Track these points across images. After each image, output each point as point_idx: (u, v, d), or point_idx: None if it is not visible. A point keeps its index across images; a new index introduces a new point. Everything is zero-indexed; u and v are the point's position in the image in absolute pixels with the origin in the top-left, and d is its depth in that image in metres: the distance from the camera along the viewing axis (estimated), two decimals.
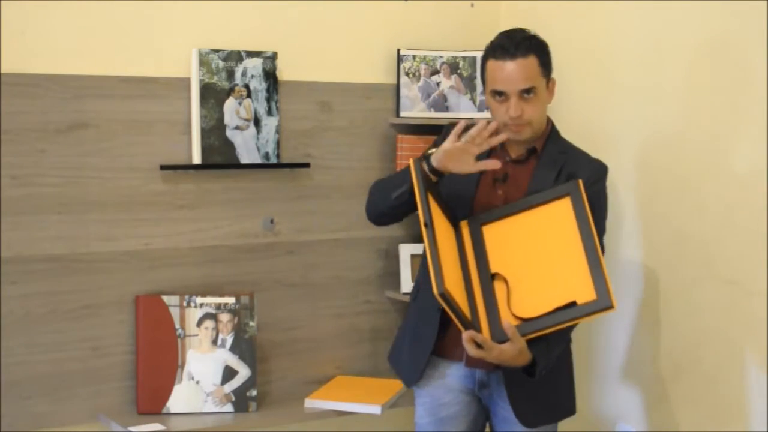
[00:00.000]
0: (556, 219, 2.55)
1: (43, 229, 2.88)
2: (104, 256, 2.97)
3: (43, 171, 2.87)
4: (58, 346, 2.92)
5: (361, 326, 3.39)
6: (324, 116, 3.28)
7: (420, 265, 2.82)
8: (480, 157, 2.58)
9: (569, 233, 2.52)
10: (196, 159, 3.05)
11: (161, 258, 3.05)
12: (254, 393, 3.05)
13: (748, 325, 2.78)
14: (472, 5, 3.51)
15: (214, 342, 3.04)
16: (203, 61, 3.03)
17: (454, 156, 2.51)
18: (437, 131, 2.76)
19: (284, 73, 3.19)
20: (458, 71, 3.40)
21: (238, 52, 3.08)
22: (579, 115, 3.28)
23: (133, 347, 3.02)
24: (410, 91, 3.36)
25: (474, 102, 3.40)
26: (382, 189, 2.67)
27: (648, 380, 3.09)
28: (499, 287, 2.53)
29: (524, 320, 2.46)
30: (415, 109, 3.37)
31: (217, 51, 3.05)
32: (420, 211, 2.43)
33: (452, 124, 2.58)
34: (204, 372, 3.02)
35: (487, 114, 2.89)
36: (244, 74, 3.09)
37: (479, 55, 2.69)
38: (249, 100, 3.11)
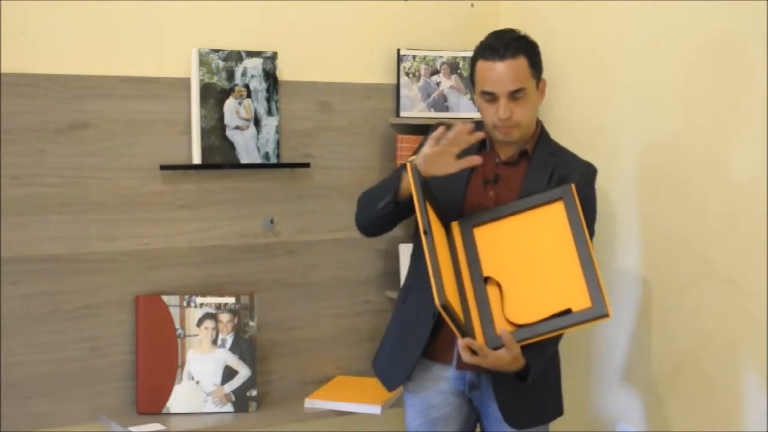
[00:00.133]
0: (549, 223, 2.54)
1: (43, 229, 2.88)
2: (104, 256, 2.97)
3: (43, 171, 2.87)
4: (58, 346, 2.92)
5: (361, 326, 3.39)
6: (324, 116, 3.28)
7: (410, 267, 2.81)
8: (467, 155, 2.59)
9: (563, 238, 2.51)
10: (196, 159, 3.05)
11: (161, 258, 3.05)
12: (254, 393, 3.05)
13: (747, 325, 2.78)
14: (472, 5, 3.51)
15: (214, 342, 3.04)
16: (203, 61, 3.03)
17: (435, 159, 2.48)
18: None
19: (284, 73, 3.19)
20: (458, 71, 3.40)
21: (238, 52, 3.08)
22: (579, 115, 3.28)
23: (133, 347, 3.02)
24: (410, 91, 3.36)
25: (474, 102, 3.40)
26: (369, 200, 2.66)
27: (648, 380, 3.09)
28: (492, 291, 2.52)
29: (519, 326, 2.46)
30: (415, 109, 3.37)
31: (217, 51, 3.05)
32: (419, 218, 2.41)
33: (436, 127, 2.57)
34: (204, 372, 3.02)
35: None
36: (244, 74, 3.09)
37: None
38: (249, 100, 3.11)
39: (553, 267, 2.51)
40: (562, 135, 3.32)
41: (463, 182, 2.65)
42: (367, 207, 2.66)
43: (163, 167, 3.01)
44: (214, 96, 3.05)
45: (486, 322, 2.47)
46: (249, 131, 3.11)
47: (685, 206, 2.94)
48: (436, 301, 2.31)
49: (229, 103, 3.08)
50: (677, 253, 2.96)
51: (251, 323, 3.06)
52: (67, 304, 2.93)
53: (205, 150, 3.05)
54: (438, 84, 3.40)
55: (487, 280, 2.53)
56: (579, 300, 2.44)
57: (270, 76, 3.13)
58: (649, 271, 3.06)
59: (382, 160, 3.36)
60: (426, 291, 2.52)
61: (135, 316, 3.01)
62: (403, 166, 2.56)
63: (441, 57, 3.39)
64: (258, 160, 3.13)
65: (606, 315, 2.42)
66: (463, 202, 2.64)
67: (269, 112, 3.14)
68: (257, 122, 3.12)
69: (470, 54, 2.78)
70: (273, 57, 3.14)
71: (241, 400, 3.04)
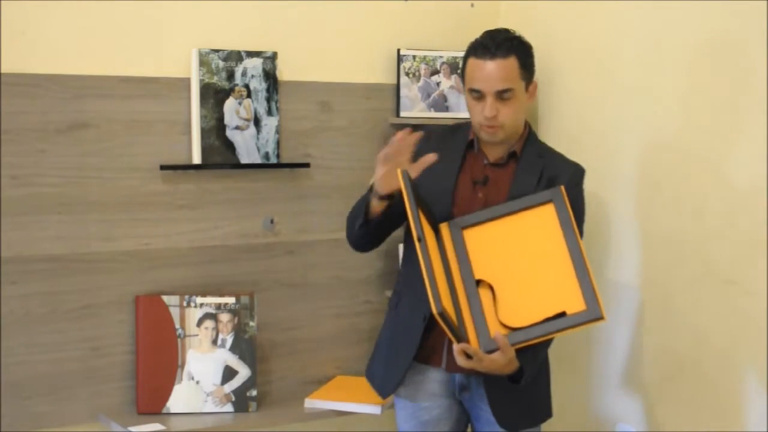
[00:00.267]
0: (540, 226, 2.53)
1: (43, 229, 2.88)
2: (104, 256, 2.97)
3: (43, 171, 2.87)
4: (58, 346, 2.92)
5: (361, 326, 3.39)
6: (324, 116, 3.28)
7: (400, 271, 2.81)
8: (455, 158, 2.59)
9: (554, 241, 2.51)
10: (196, 159, 3.05)
11: (161, 258, 3.05)
12: (254, 393, 3.05)
13: (747, 325, 2.78)
14: (472, 5, 3.51)
15: (214, 342, 3.04)
16: (203, 61, 3.03)
17: (389, 177, 2.49)
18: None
19: (284, 73, 3.19)
20: (458, 71, 3.39)
21: (238, 52, 3.08)
22: (578, 115, 3.28)
23: (133, 347, 3.02)
24: (410, 91, 3.36)
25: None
26: (350, 221, 2.69)
27: (648, 380, 3.09)
28: (484, 294, 2.51)
29: (513, 329, 2.46)
30: (415, 109, 3.37)
31: (217, 51, 3.05)
32: (412, 225, 2.40)
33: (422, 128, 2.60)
34: (204, 372, 3.02)
35: None
36: (244, 74, 3.09)
37: None
38: (249, 100, 3.11)
39: (546, 269, 2.51)
40: (561, 135, 3.33)
41: (451, 183, 2.65)
42: (349, 227, 2.70)
43: (163, 167, 3.01)
44: (214, 96, 3.05)
45: (480, 325, 2.46)
46: (249, 131, 3.11)
47: (684, 206, 2.94)
48: (433, 310, 2.31)
49: (229, 103, 3.08)
50: (677, 254, 2.96)
51: (251, 323, 3.07)
52: (67, 304, 2.93)
53: (205, 150, 3.05)
54: (438, 84, 3.40)
55: (479, 282, 2.53)
56: (573, 303, 2.44)
57: (270, 76, 3.13)
58: (649, 271, 3.06)
59: None
60: (417, 295, 2.53)
61: (135, 316, 3.01)
62: (368, 192, 2.59)
63: (441, 57, 3.39)
64: (258, 160, 3.13)
65: (601, 318, 2.43)
66: (451, 203, 2.64)
67: (269, 112, 3.14)
68: (257, 122, 3.12)
69: None
70: (273, 57, 3.14)
71: (241, 400, 3.04)
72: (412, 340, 2.64)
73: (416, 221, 2.39)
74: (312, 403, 3.12)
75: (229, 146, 3.08)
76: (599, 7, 3.21)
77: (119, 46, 2.95)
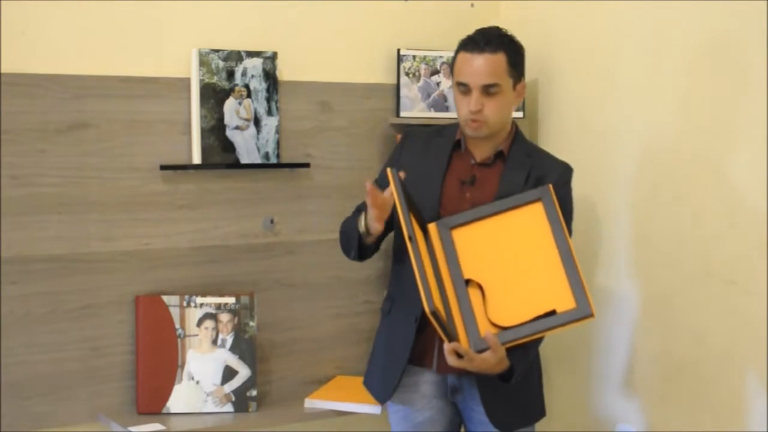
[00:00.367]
0: (529, 225, 2.53)
1: (43, 229, 2.88)
2: (104, 256, 2.97)
3: (43, 171, 2.87)
4: (58, 346, 2.92)
5: (361, 326, 3.39)
6: (324, 116, 3.28)
7: (391, 277, 2.81)
8: (441, 159, 2.62)
9: (543, 239, 2.51)
10: (196, 159, 3.05)
11: (161, 258, 3.05)
12: (254, 393, 3.05)
13: (748, 325, 2.78)
14: (472, 5, 3.51)
15: (214, 342, 3.04)
16: (203, 61, 3.03)
17: (381, 215, 2.52)
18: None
19: (284, 73, 3.19)
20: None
21: (238, 52, 3.08)
22: (578, 115, 3.28)
23: (133, 347, 3.02)
24: (410, 91, 3.36)
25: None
26: (345, 241, 2.74)
27: (648, 380, 3.09)
28: (473, 294, 2.51)
29: (503, 328, 2.46)
30: (415, 109, 3.37)
31: (217, 51, 3.05)
32: (403, 225, 2.40)
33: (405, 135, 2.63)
34: (204, 372, 3.02)
35: None
36: (244, 74, 3.09)
37: None
38: (249, 100, 3.11)
39: (535, 268, 2.51)
40: (561, 135, 3.33)
41: (438, 184, 2.65)
42: (344, 250, 2.74)
43: (163, 167, 3.01)
44: (214, 96, 3.05)
45: (470, 325, 2.46)
46: (249, 131, 3.11)
47: (684, 206, 2.94)
48: (426, 308, 2.30)
49: (229, 103, 3.08)
50: (677, 254, 2.96)
51: (251, 323, 3.06)
52: (67, 304, 2.93)
53: (205, 150, 3.05)
54: (438, 84, 3.40)
55: (468, 282, 2.53)
56: (563, 301, 2.44)
57: (270, 76, 3.13)
58: (649, 271, 3.06)
59: (382, 160, 3.35)
60: (409, 298, 2.54)
61: (135, 316, 3.01)
62: (359, 211, 2.65)
63: (441, 57, 3.39)
64: (258, 160, 3.13)
65: (591, 315, 2.43)
66: (439, 204, 2.64)
67: (269, 112, 3.14)
68: (257, 122, 3.12)
69: None
70: (273, 57, 3.14)
71: (241, 400, 3.04)
72: (405, 343, 2.64)
73: (407, 220, 2.40)
74: (312, 403, 3.12)
75: (229, 146, 3.08)
76: (599, 7, 3.21)
77: (119, 46, 2.95)
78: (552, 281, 2.47)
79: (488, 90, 2.56)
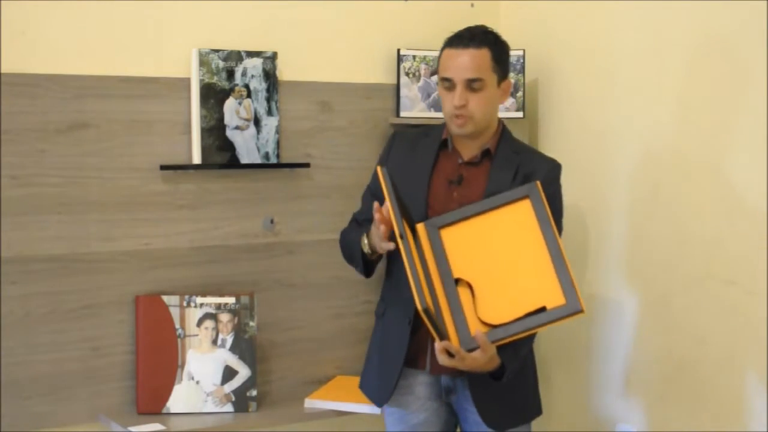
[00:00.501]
0: (517, 222, 2.53)
1: (43, 229, 2.88)
2: (104, 256, 2.97)
3: (43, 171, 2.87)
4: (58, 346, 2.92)
5: (361, 326, 3.39)
6: (324, 116, 3.28)
7: (385, 280, 2.81)
8: (428, 159, 2.63)
9: (532, 236, 2.51)
10: (196, 159, 3.05)
11: (161, 258, 3.05)
12: (254, 393, 3.05)
13: (748, 325, 2.78)
14: (472, 5, 3.51)
15: (214, 342, 3.04)
16: (203, 61, 3.03)
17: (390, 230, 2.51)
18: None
19: (284, 73, 3.19)
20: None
21: (238, 52, 3.08)
22: (578, 115, 3.28)
23: (133, 347, 3.02)
24: (410, 91, 3.36)
25: None
26: (347, 258, 2.75)
27: (648, 380, 3.09)
28: (463, 293, 2.51)
29: (493, 326, 2.46)
30: (415, 109, 3.37)
31: (217, 51, 3.05)
32: (394, 223, 2.40)
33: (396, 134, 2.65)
34: (204, 372, 3.02)
35: None
36: (244, 74, 3.09)
37: None
38: (249, 100, 3.11)
39: (524, 265, 2.51)
40: (561, 135, 3.33)
41: (425, 184, 2.64)
42: (347, 260, 2.76)
43: (163, 167, 3.01)
44: (214, 96, 3.05)
45: (460, 324, 2.46)
46: (249, 131, 3.11)
47: (684, 206, 2.94)
48: (418, 306, 2.30)
49: (229, 103, 3.08)
50: (677, 254, 2.96)
51: (251, 323, 3.07)
52: (67, 304, 2.93)
53: (205, 150, 3.05)
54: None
55: (457, 281, 2.53)
56: (552, 297, 2.44)
57: (270, 76, 3.13)
58: (649, 271, 3.06)
59: None
60: (402, 300, 2.54)
61: (135, 316, 3.01)
62: (357, 222, 2.67)
63: None
64: (258, 160, 3.13)
65: (580, 311, 2.42)
66: (426, 204, 2.64)
67: (269, 112, 3.14)
68: (257, 122, 3.12)
69: None
70: (273, 57, 3.14)
71: (241, 400, 3.04)
72: (400, 345, 2.64)
73: (398, 218, 2.40)
74: (312, 403, 3.12)
75: (229, 146, 3.08)
76: (599, 7, 3.21)
77: (119, 46, 2.95)
78: (541, 278, 2.47)
79: (472, 85, 2.56)
